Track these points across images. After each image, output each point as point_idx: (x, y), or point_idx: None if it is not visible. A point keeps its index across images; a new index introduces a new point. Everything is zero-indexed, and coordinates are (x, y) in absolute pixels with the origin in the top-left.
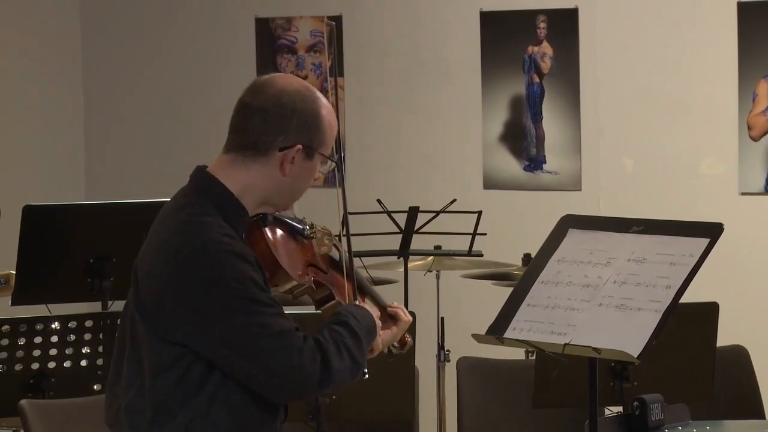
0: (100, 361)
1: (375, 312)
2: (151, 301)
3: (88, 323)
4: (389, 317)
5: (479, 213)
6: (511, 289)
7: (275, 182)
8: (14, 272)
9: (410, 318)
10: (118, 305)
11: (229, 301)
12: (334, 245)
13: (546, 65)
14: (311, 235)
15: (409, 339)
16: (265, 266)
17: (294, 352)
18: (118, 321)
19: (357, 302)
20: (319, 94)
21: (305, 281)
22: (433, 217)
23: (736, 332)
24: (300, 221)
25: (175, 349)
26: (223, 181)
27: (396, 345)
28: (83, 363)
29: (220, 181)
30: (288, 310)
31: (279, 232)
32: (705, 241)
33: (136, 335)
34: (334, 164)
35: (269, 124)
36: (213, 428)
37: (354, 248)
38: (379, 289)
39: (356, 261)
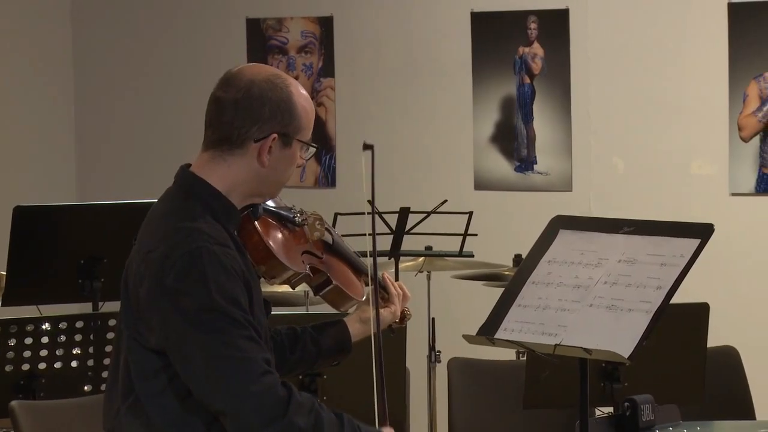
0: (90, 362)
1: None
2: (138, 309)
3: (79, 324)
4: (387, 294)
5: (470, 214)
6: (502, 289)
7: (257, 174)
8: (4, 273)
9: (409, 294)
10: (108, 306)
11: (204, 313)
12: (326, 229)
13: (537, 66)
14: (302, 222)
15: (408, 312)
16: (260, 258)
17: (251, 380)
18: (112, 324)
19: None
20: (292, 80)
21: (302, 269)
22: (424, 218)
23: (727, 333)
24: (289, 209)
25: (158, 357)
26: (209, 180)
27: (395, 321)
28: (74, 364)
29: (206, 181)
30: (285, 311)
31: (271, 223)
32: (696, 242)
33: (125, 343)
34: (315, 149)
35: (241, 116)
36: None
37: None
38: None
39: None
